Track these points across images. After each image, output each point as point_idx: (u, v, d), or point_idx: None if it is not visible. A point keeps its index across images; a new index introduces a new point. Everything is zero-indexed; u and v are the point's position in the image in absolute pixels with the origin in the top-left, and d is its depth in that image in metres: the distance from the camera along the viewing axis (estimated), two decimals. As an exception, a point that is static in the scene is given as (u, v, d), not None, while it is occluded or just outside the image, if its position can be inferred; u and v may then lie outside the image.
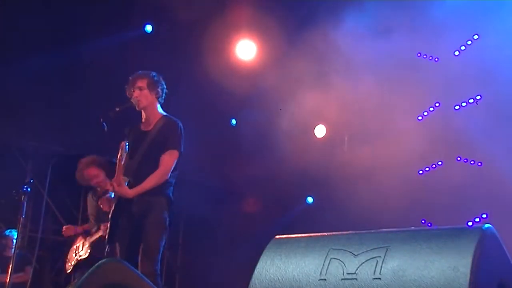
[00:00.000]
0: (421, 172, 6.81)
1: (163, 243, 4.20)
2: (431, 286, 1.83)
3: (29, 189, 5.16)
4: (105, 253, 4.19)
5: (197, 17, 6.90)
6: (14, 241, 6.29)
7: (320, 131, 7.97)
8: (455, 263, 1.83)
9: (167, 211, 4.24)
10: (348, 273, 2.02)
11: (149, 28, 7.41)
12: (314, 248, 2.18)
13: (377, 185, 6.44)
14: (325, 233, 2.30)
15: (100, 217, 5.50)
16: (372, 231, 2.20)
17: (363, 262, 2.01)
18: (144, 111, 4.46)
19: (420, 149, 6.58)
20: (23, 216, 5.22)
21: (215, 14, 6.97)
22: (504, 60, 6.00)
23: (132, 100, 4.41)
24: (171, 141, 4.31)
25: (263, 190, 8.24)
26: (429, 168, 6.77)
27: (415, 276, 1.88)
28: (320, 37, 6.63)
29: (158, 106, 4.49)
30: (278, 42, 7.28)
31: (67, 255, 5.91)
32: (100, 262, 2.53)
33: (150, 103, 4.43)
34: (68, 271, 5.83)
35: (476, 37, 6.49)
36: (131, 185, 4.21)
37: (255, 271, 2.25)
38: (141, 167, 4.26)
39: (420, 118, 6.93)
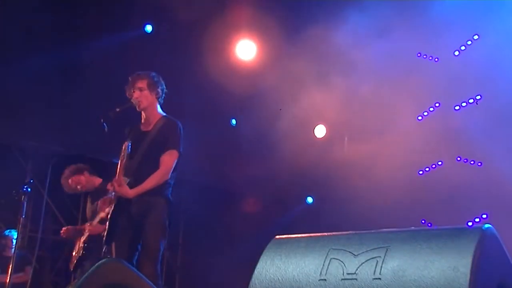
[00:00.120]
0: (421, 172, 6.81)
1: (163, 243, 4.20)
2: (431, 286, 1.83)
3: (29, 189, 5.16)
4: (102, 253, 4.18)
5: (197, 17, 6.89)
6: (14, 241, 6.30)
7: (320, 131, 7.97)
8: (455, 263, 1.83)
9: (166, 211, 4.24)
10: (348, 273, 2.02)
11: (149, 28, 7.41)
12: (314, 248, 2.18)
13: (377, 185, 6.44)
14: (325, 233, 2.30)
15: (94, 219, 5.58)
16: (372, 231, 2.20)
17: (363, 262, 2.01)
18: (144, 112, 4.47)
19: (420, 149, 6.58)
20: (23, 216, 5.23)
21: (215, 14, 6.97)
22: (504, 60, 6.00)
23: (132, 101, 4.41)
24: (171, 141, 4.32)
25: (263, 190, 8.24)
26: (429, 168, 6.77)
27: (415, 276, 1.88)
28: (320, 37, 6.62)
29: (158, 106, 4.50)
30: (278, 42, 7.28)
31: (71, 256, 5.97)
32: (100, 262, 2.53)
33: (150, 103, 4.43)
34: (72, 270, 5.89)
35: (476, 37, 6.49)
36: (131, 186, 4.21)
37: (255, 271, 2.25)
38: (141, 168, 4.26)
39: (420, 118, 6.93)
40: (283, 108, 7.32)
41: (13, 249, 6.07)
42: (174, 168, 4.32)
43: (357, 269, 2.01)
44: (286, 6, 6.98)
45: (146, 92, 4.41)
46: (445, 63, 6.74)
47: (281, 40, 7.20)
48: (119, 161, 4.23)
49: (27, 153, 6.61)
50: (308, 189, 8.40)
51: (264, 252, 2.31)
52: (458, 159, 6.52)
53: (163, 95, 4.52)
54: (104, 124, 4.43)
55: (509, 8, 6.12)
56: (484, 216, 6.08)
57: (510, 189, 5.66)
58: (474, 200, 5.98)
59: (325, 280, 2.05)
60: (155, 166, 4.25)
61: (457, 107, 6.60)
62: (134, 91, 4.40)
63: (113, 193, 4.27)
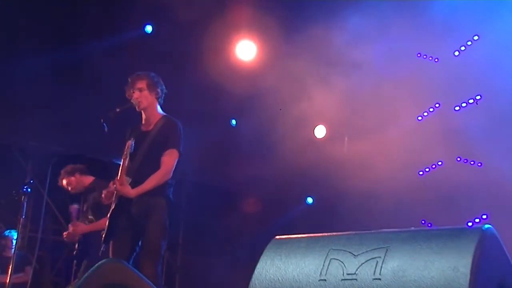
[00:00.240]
0: (421, 172, 6.81)
1: (164, 244, 4.20)
2: (431, 286, 1.83)
3: (29, 189, 5.17)
4: (100, 253, 4.17)
5: (197, 17, 6.89)
6: (14, 241, 6.30)
7: (320, 131, 7.97)
8: (455, 263, 1.83)
9: (167, 212, 4.23)
10: (348, 274, 2.02)
11: (149, 28, 7.42)
12: (314, 249, 2.18)
13: (377, 185, 6.44)
14: (325, 234, 2.30)
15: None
16: (372, 231, 2.19)
17: (363, 263, 2.01)
18: (144, 112, 4.47)
19: (420, 149, 6.58)
20: (23, 216, 5.23)
21: (215, 14, 6.97)
22: (504, 60, 6.00)
23: (132, 101, 4.41)
24: (171, 140, 4.32)
25: (263, 190, 8.24)
26: (429, 168, 6.77)
27: (415, 276, 1.88)
28: (320, 37, 6.62)
29: (158, 106, 4.50)
30: (278, 42, 7.28)
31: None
32: (100, 262, 2.53)
33: (150, 103, 4.44)
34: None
35: (476, 37, 6.49)
36: (131, 186, 4.21)
37: (255, 271, 2.25)
38: (141, 168, 4.26)
39: (420, 118, 6.94)
40: (283, 108, 7.32)
41: (13, 250, 6.07)
42: (175, 168, 4.32)
43: (357, 270, 2.01)
44: (286, 6, 6.98)
45: (145, 92, 4.41)
46: (445, 63, 6.74)
47: (281, 40, 7.20)
48: (122, 160, 4.23)
49: (27, 153, 6.61)
50: (308, 189, 8.40)
51: (264, 252, 2.31)
52: (458, 159, 6.52)
53: (163, 95, 4.52)
54: (104, 124, 4.43)
55: (509, 8, 6.12)
56: (484, 216, 6.08)
57: (510, 189, 5.65)
58: (474, 200, 5.98)
59: (325, 280, 2.05)
60: (156, 166, 4.24)
61: (457, 108, 6.60)
62: (133, 92, 4.41)
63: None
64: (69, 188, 5.87)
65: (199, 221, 8.18)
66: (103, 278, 2.44)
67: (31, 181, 5.30)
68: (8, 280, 5.25)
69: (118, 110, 4.45)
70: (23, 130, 6.76)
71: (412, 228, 2.24)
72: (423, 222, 6.50)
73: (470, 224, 6.02)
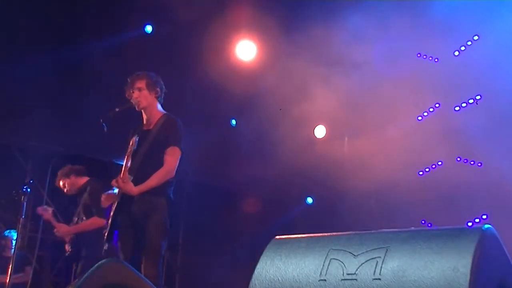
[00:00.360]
0: (421, 173, 6.81)
1: (164, 244, 4.20)
2: (431, 286, 1.83)
3: (29, 189, 5.16)
4: (103, 252, 4.18)
5: (197, 17, 6.89)
6: (14, 241, 6.29)
7: (320, 131, 7.97)
8: (455, 263, 1.83)
9: (168, 212, 4.23)
10: (348, 274, 2.01)
11: (149, 28, 7.42)
12: (314, 249, 2.18)
13: (377, 185, 6.44)
14: (325, 234, 2.29)
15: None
16: (372, 231, 2.19)
17: (363, 263, 2.01)
18: (144, 111, 4.47)
19: (420, 149, 6.58)
20: (23, 216, 5.23)
21: (215, 14, 6.97)
22: (504, 60, 6.00)
23: (132, 101, 4.41)
24: (172, 138, 4.32)
25: (263, 190, 8.24)
26: (429, 169, 6.77)
27: (415, 276, 1.88)
28: (320, 37, 6.62)
29: (158, 105, 4.50)
30: (278, 42, 7.28)
31: None
32: (100, 262, 2.53)
33: (150, 103, 4.44)
34: None
35: (476, 37, 6.49)
36: (133, 184, 4.21)
37: (255, 271, 2.25)
38: (143, 166, 4.26)
39: (420, 118, 6.94)
40: (283, 108, 7.32)
41: (12, 250, 6.07)
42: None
43: (357, 270, 2.01)
44: (286, 6, 6.98)
45: (145, 92, 4.41)
46: (445, 63, 6.74)
47: (281, 40, 7.20)
48: (125, 157, 4.22)
49: (27, 153, 6.62)
50: (308, 189, 8.40)
51: (264, 252, 2.30)
52: (458, 159, 6.52)
53: (162, 94, 4.52)
54: (104, 124, 4.43)
55: (509, 8, 6.13)
56: (484, 216, 6.08)
57: (510, 189, 5.66)
58: (474, 200, 5.98)
59: (325, 280, 2.05)
60: (157, 165, 4.24)
61: (457, 108, 6.60)
62: (133, 92, 4.41)
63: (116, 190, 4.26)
64: (65, 190, 5.90)
65: (199, 221, 8.18)
66: (103, 278, 2.44)
67: (31, 181, 5.29)
68: (8, 280, 5.24)
69: (117, 110, 4.45)
70: (23, 130, 6.76)
71: (412, 228, 2.24)
72: (423, 222, 6.50)
73: (470, 224, 6.02)
